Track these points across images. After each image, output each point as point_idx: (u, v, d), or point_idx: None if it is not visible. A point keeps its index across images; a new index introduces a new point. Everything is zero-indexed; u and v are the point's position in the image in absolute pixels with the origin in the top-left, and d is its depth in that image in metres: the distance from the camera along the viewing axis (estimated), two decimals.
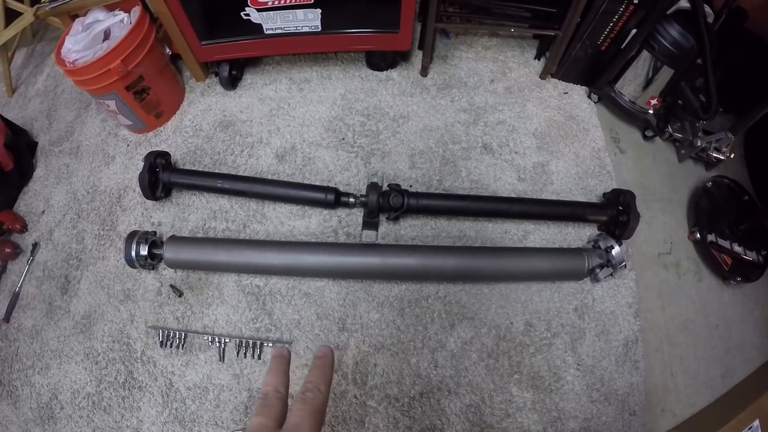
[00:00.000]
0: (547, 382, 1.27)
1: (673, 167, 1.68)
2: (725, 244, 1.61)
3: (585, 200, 1.47)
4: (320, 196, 1.32)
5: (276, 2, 1.37)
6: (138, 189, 1.50)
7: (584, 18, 1.51)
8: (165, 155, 1.45)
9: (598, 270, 1.36)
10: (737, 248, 1.62)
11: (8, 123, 1.68)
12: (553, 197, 1.44)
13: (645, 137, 1.69)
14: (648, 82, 1.59)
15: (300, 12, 1.38)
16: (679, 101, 1.58)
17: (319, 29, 1.43)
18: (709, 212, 1.65)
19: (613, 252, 1.36)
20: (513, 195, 1.40)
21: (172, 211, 1.46)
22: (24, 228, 1.61)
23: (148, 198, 1.43)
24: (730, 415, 1.40)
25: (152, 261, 1.38)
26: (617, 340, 1.38)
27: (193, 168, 1.47)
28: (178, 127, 1.57)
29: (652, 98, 1.59)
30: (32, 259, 1.56)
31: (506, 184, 1.43)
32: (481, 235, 1.35)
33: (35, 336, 1.48)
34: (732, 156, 1.68)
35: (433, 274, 1.28)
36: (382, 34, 1.43)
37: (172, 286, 1.39)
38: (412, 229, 1.35)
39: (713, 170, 1.72)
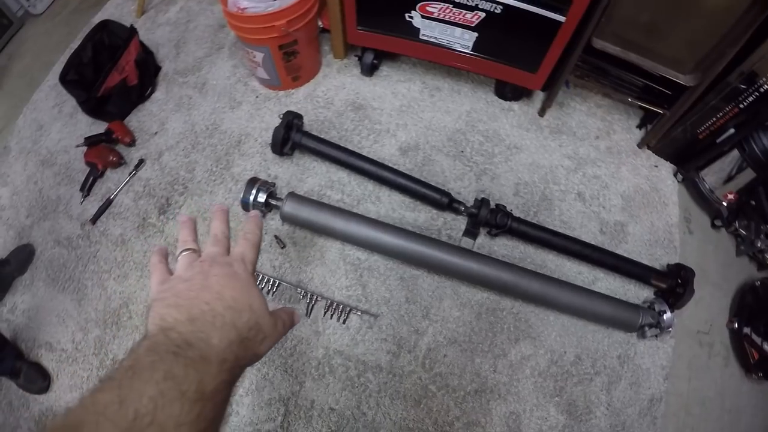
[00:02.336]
0: (579, 412, 1.70)
1: (730, 259, 2.16)
2: (757, 340, 2.09)
3: (659, 269, 1.94)
4: (436, 196, 1.76)
5: (441, 15, 1.81)
6: (260, 139, 1.90)
7: (693, 106, 2.00)
8: (300, 117, 1.85)
9: (647, 328, 1.81)
10: (767, 347, 2.11)
11: (142, 43, 2.07)
12: (624, 255, 1.91)
13: (713, 225, 2.18)
14: (730, 178, 2.07)
15: (458, 30, 1.83)
16: (752, 202, 2.07)
17: (468, 50, 1.88)
18: (751, 308, 2.12)
19: (665, 317, 1.81)
20: (593, 243, 1.87)
21: (291, 169, 1.87)
22: (132, 142, 1.99)
23: (275, 152, 1.83)
24: None
25: (265, 209, 1.77)
26: (645, 395, 1.82)
27: (319, 136, 1.88)
28: (310, 95, 1.99)
29: (730, 193, 2.08)
30: (134, 173, 1.94)
31: (588, 232, 1.89)
32: (559, 270, 1.80)
33: (120, 245, 1.84)
34: None
35: (516, 291, 1.72)
36: (520, 70, 1.89)
37: (276, 237, 1.79)
38: (505, 248, 1.80)
39: (765, 272, 2.22)
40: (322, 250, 1.72)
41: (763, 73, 1.75)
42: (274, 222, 1.76)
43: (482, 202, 1.70)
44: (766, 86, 1.78)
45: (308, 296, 1.68)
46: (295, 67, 1.91)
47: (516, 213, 1.79)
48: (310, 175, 1.81)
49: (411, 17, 1.81)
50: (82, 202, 1.90)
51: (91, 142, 1.92)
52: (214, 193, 1.82)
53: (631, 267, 1.83)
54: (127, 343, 1.67)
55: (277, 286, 1.70)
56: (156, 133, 1.97)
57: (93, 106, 1.94)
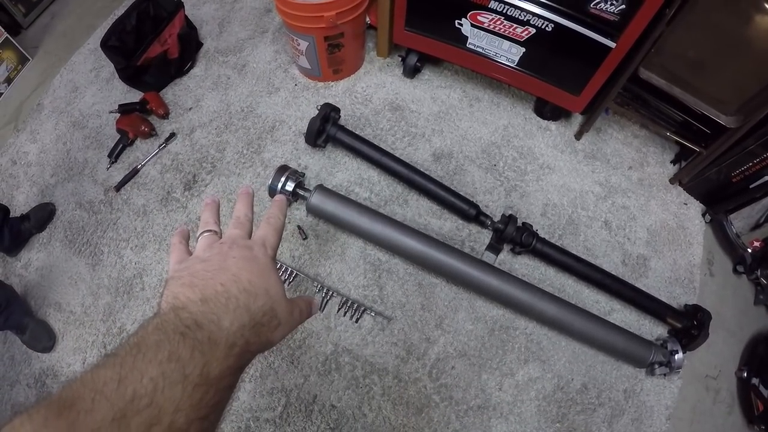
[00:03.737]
0: None
1: (747, 307, 2.12)
2: (764, 392, 2.04)
3: (676, 308, 1.89)
4: (464, 206, 1.72)
5: (492, 26, 1.77)
6: (294, 127, 1.87)
7: (730, 148, 1.95)
8: (338, 111, 1.82)
9: (656, 366, 1.77)
10: None
11: (187, 18, 2.05)
12: (643, 289, 1.87)
13: (735, 270, 2.13)
14: (758, 225, 2.03)
15: (507, 43, 1.79)
16: None
17: (514, 64, 1.84)
18: (762, 359, 2.08)
19: (676, 357, 1.77)
20: (614, 273, 1.82)
21: (321, 161, 1.83)
22: (166, 115, 1.96)
23: (308, 143, 1.80)
24: None
25: (291, 198, 1.74)
26: (643, 424, 1.80)
27: (352, 132, 1.85)
28: (350, 89, 1.96)
29: (756, 240, 2.04)
30: (164, 146, 1.92)
31: (611, 262, 1.84)
32: (576, 296, 1.76)
33: (142, 215, 1.82)
34: None
35: (532, 312, 1.68)
36: (563, 91, 1.84)
37: (299, 227, 1.76)
38: (526, 267, 1.76)
39: None
40: (343, 246, 1.69)
41: None
42: (298, 212, 1.73)
43: (509, 219, 1.66)
44: None
45: (324, 290, 1.65)
46: (338, 60, 1.87)
47: (541, 233, 1.75)
48: (340, 170, 1.78)
49: (461, 24, 1.77)
50: (108, 168, 1.88)
51: (124, 109, 1.90)
52: (241, 176, 1.80)
53: (648, 302, 1.79)
54: (136, 313, 1.65)
55: (294, 277, 1.67)
56: (191, 108, 1.94)
57: (131, 75, 1.92)
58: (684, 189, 2.09)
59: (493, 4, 1.67)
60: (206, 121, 1.90)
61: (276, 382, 1.57)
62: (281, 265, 1.66)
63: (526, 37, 1.71)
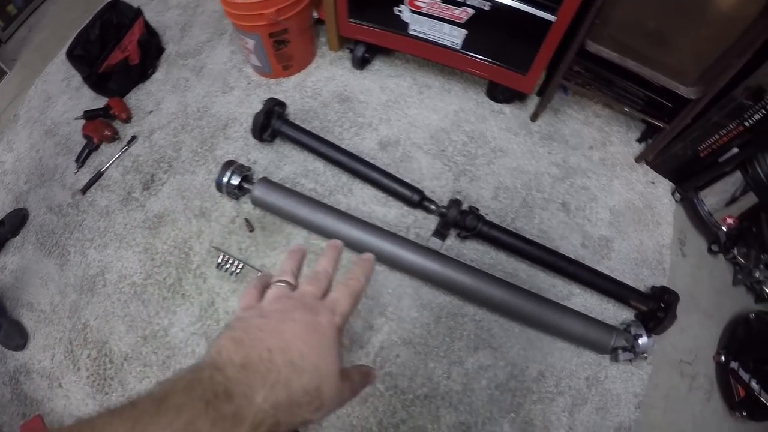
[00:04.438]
0: None
1: (725, 288, 1.94)
2: (745, 377, 1.86)
3: (641, 291, 1.75)
4: (407, 193, 1.64)
5: (430, 10, 1.69)
6: (246, 124, 1.83)
7: (694, 121, 1.79)
8: (283, 105, 1.78)
9: (620, 351, 1.64)
10: (754, 385, 1.87)
11: (147, 24, 2.04)
12: (606, 272, 1.72)
13: (710, 250, 1.96)
14: (732, 201, 1.86)
15: (447, 26, 1.70)
16: (753, 229, 1.84)
17: (458, 47, 1.74)
18: (741, 341, 1.90)
19: (640, 341, 1.63)
20: (572, 256, 1.69)
21: (269, 155, 1.79)
22: (128, 119, 1.96)
23: (255, 137, 1.76)
24: None
25: (238, 192, 1.70)
26: (612, 421, 1.65)
27: (301, 125, 1.79)
28: (300, 84, 1.91)
29: (729, 217, 1.86)
30: (126, 149, 1.91)
31: (569, 245, 1.72)
32: (531, 280, 1.65)
33: (104, 216, 1.82)
34: None
35: (479, 298, 1.57)
36: (511, 71, 1.74)
37: (246, 220, 1.72)
38: (474, 252, 1.66)
39: (762, 304, 1.98)
40: (288, 237, 1.64)
41: None
42: (246, 206, 1.68)
43: (453, 203, 1.57)
44: None
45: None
46: (286, 56, 1.83)
47: (492, 218, 1.65)
48: (287, 163, 1.73)
49: (400, 11, 1.70)
50: (76, 173, 1.90)
51: (89, 115, 1.92)
52: (195, 173, 1.78)
53: (608, 285, 1.66)
54: (98, 309, 1.66)
55: (241, 268, 1.62)
56: (151, 111, 1.94)
57: (95, 82, 1.94)
58: (651, 167, 1.95)
59: None
60: (165, 123, 1.89)
61: None
62: (229, 258, 1.61)
63: (466, 18, 1.63)
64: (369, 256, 0.52)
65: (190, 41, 2.12)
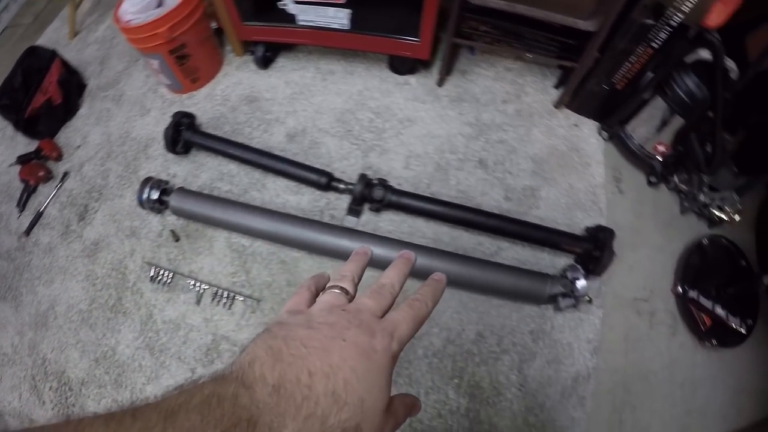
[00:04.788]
0: (486, 394, 1.48)
1: (673, 218, 1.84)
2: (707, 304, 1.76)
3: (573, 233, 1.67)
4: (314, 177, 1.61)
5: None
6: (163, 141, 1.85)
7: (602, 54, 1.72)
8: (191, 116, 1.79)
9: (560, 298, 1.56)
10: (719, 311, 1.77)
11: (65, 64, 2.09)
12: (534, 222, 1.65)
13: (650, 183, 1.86)
14: (659, 129, 1.77)
15: (331, 10, 1.68)
16: (682, 149, 1.75)
17: (347, 28, 1.72)
18: (698, 269, 1.80)
19: (578, 284, 1.55)
20: (496, 211, 1.63)
21: (187, 166, 1.79)
22: (59, 157, 2.00)
23: (168, 151, 1.77)
24: None
25: (160, 206, 1.71)
26: (568, 372, 1.58)
27: (214, 132, 1.79)
28: (210, 94, 1.92)
29: (660, 144, 1.77)
30: (60, 186, 1.95)
31: (491, 200, 1.66)
32: (454, 242, 1.59)
33: (48, 252, 1.85)
34: (738, 218, 1.82)
35: (386, 266, 1.53)
36: (403, 41, 1.70)
37: (172, 231, 1.72)
38: (391, 223, 1.61)
39: (716, 229, 1.87)
40: (211, 240, 1.63)
41: (669, 3, 1.46)
42: (171, 218, 1.69)
43: (361, 178, 1.54)
44: (675, 18, 1.50)
45: (197, 285, 1.59)
46: (192, 70, 1.84)
47: (406, 187, 1.62)
48: (203, 171, 1.74)
49: (284, 4, 1.70)
50: (18, 217, 1.93)
51: (23, 160, 1.96)
52: (123, 197, 1.80)
53: (536, 233, 1.60)
54: (53, 342, 1.68)
55: (171, 278, 1.62)
56: (79, 146, 1.97)
57: (25, 127, 1.99)
58: (572, 110, 1.88)
59: None
60: (92, 155, 1.93)
61: (169, 379, 1.53)
62: (159, 270, 1.62)
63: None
64: (441, 276, 0.46)
65: (108, 73, 2.15)
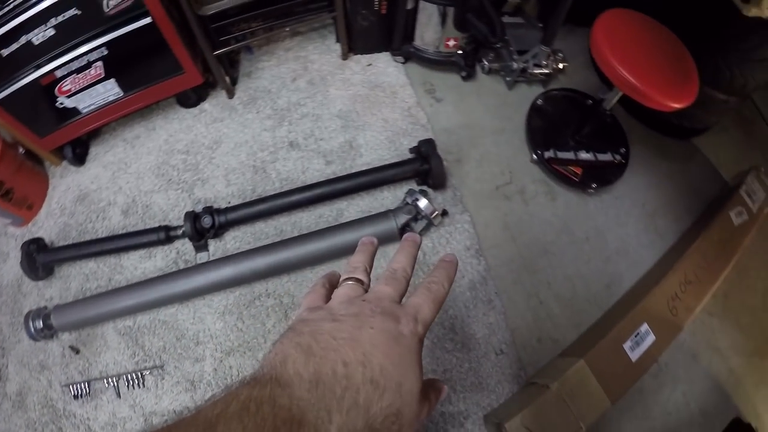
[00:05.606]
0: None
1: (503, 97, 2.14)
2: (568, 155, 2.05)
3: (398, 161, 2.00)
4: (154, 236, 1.98)
5: (78, 86, 2.08)
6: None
7: None
8: (37, 241, 2.18)
9: (412, 224, 1.87)
10: (585, 155, 2.06)
11: None
12: (365, 168, 1.99)
13: (464, 78, 2.19)
14: (442, 26, 2.09)
15: (99, 86, 2.07)
16: (473, 33, 2.07)
17: (122, 94, 2.11)
18: (543, 130, 2.09)
19: (420, 204, 1.84)
20: (323, 179, 1.98)
21: (57, 285, 2.19)
22: None
23: (33, 280, 2.17)
24: (612, 325, 1.77)
25: (50, 331, 2.09)
26: (461, 286, 1.84)
27: (64, 243, 2.19)
28: (49, 211, 2.32)
29: (448, 40, 2.09)
30: None
31: (315, 172, 1.99)
32: (297, 227, 1.93)
33: None
34: (563, 66, 2.13)
35: (259, 273, 1.88)
36: (173, 79, 2.09)
37: (70, 347, 2.11)
38: (236, 240, 1.96)
39: (554, 84, 2.17)
40: (103, 336, 2.00)
41: None
42: (65, 336, 2.07)
43: (186, 216, 1.90)
44: None
45: (109, 381, 1.97)
46: (22, 200, 2.24)
47: (234, 201, 1.96)
48: (71, 281, 2.12)
49: (62, 103, 2.09)
50: None
51: None
52: (21, 341, 2.16)
53: (361, 179, 1.90)
54: None
55: (89, 387, 1.99)
56: None
57: None
58: (360, 54, 2.21)
59: (58, 73, 1.97)
60: None
61: None
62: (76, 386, 1.98)
63: (102, 71, 1.99)
64: (452, 257, 0.51)
65: None
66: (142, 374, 1.89)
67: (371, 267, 0.50)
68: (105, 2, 1.75)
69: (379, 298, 0.43)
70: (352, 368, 0.35)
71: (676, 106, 1.63)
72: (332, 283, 0.50)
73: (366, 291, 0.47)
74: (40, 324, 1.97)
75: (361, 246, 0.52)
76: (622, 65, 1.65)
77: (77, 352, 1.99)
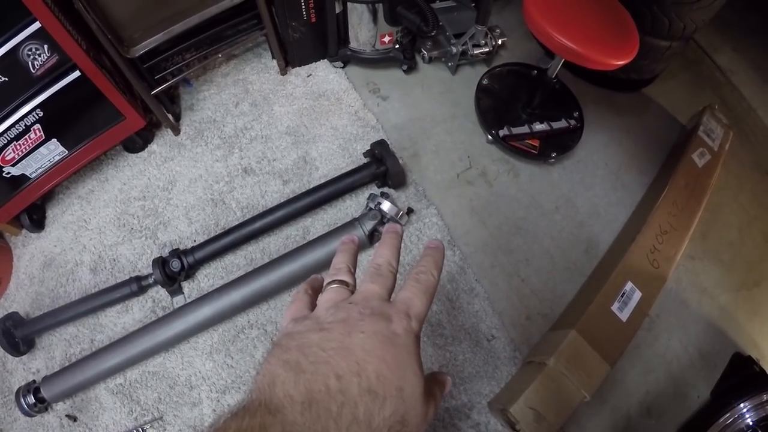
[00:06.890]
0: None
1: (449, 84, 2.16)
2: (523, 130, 2.08)
3: (354, 168, 2.01)
4: (126, 290, 1.99)
5: (21, 152, 2.07)
6: (8, 356, 2.26)
7: (276, 5, 2.06)
8: (13, 315, 2.19)
9: (380, 228, 1.90)
10: (539, 126, 2.09)
11: None
12: (323, 180, 2.00)
13: (406, 72, 2.20)
14: (375, 24, 2.10)
15: (42, 149, 2.06)
16: (406, 26, 2.08)
17: (67, 152, 2.12)
18: (494, 109, 2.12)
19: (383, 207, 1.87)
20: (282, 201, 1.99)
21: (41, 356, 2.19)
22: None
23: (15, 356, 2.18)
24: (597, 289, 1.82)
25: (43, 404, 2.10)
26: (440, 280, 1.92)
27: (39, 313, 2.20)
28: (18, 283, 2.32)
29: (383, 36, 2.11)
30: None
31: (274, 194, 2.00)
32: (266, 252, 1.94)
33: None
34: (501, 42, 2.15)
35: (238, 306, 1.89)
36: (115, 126, 2.09)
37: (67, 415, 2.13)
38: (208, 277, 1.98)
39: (496, 61, 2.19)
40: (97, 399, 2.01)
41: None
42: (59, 405, 2.08)
43: (154, 263, 1.91)
44: None
45: None
46: None
47: (200, 239, 1.97)
48: (54, 349, 2.12)
49: (8, 172, 2.08)
50: None
51: None
52: (16, 419, 2.17)
53: (322, 194, 1.92)
54: None
55: None
56: None
57: None
58: (299, 66, 2.22)
59: None
60: None
61: None
62: None
63: (42, 134, 1.99)
64: (437, 242, 0.50)
65: None
66: (143, 429, 1.91)
67: (355, 266, 0.49)
68: (30, 64, 1.73)
69: (366, 299, 0.42)
70: (346, 380, 0.33)
71: (620, 63, 1.65)
72: (315, 289, 0.49)
73: (352, 292, 0.45)
74: (31, 399, 1.98)
75: (341, 246, 0.51)
76: (558, 32, 1.67)
77: (75, 419, 2.00)
